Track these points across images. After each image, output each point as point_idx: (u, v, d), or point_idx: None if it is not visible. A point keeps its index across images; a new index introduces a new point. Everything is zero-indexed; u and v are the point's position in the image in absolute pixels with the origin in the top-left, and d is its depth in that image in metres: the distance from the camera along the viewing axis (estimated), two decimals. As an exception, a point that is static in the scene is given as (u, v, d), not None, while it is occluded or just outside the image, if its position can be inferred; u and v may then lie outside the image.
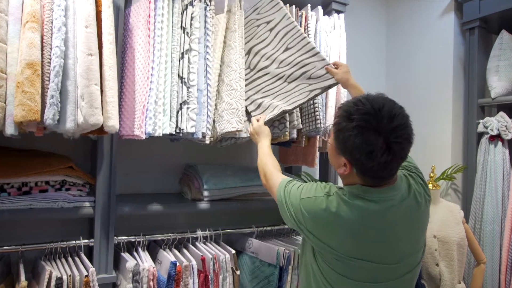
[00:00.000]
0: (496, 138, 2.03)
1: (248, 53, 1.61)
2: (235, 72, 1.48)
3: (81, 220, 1.59)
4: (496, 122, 2.01)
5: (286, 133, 1.57)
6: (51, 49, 1.16)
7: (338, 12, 1.88)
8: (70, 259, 1.37)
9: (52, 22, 1.17)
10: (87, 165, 1.65)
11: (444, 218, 1.81)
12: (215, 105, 1.48)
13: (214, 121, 1.48)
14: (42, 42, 1.15)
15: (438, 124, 2.30)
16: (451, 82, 2.27)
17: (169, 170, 1.90)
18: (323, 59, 1.47)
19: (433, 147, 2.31)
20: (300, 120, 1.60)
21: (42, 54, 1.15)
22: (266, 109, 1.53)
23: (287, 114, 1.56)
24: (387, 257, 1.02)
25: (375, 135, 0.93)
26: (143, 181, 1.85)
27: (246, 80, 1.54)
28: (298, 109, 1.59)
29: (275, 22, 1.56)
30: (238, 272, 1.50)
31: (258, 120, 1.47)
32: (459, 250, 1.76)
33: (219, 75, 1.50)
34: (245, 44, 1.58)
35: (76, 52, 1.20)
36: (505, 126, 1.99)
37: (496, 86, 2.05)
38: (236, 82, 1.47)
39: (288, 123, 1.57)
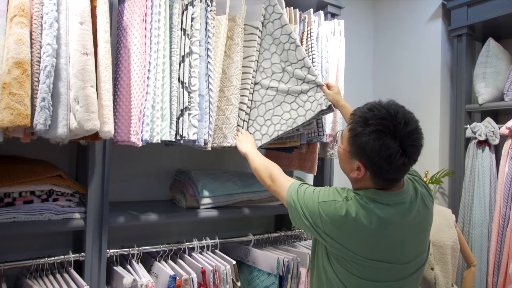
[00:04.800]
0: (483, 143, 2.08)
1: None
2: (234, 87, 1.45)
3: (67, 231, 1.47)
4: (484, 128, 2.06)
5: (298, 137, 1.57)
6: (40, 47, 1.05)
7: (333, 15, 1.86)
8: (58, 275, 1.25)
9: (42, 17, 1.06)
10: (72, 172, 1.53)
11: (438, 223, 1.82)
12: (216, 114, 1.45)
13: (216, 126, 1.44)
14: (31, 39, 1.04)
15: (426, 129, 2.31)
16: (438, 87, 2.31)
17: (158, 176, 1.81)
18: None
19: (421, 151, 2.33)
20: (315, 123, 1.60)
21: (31, 52, 1.04)
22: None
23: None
24: (401, 257, 1.06)
25: (392, 139, 0.98)
26: (131, 188, 1.74)
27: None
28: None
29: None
30: (239, 284, 1.43)
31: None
32: (452, 254, 1.78)
33: (220, 87, 1.46)
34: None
35: (68, 50, 1.10)
36: (493, 131, 2.05)
37: (484, 92, 2.10)
38: (234, 97, 1.45)
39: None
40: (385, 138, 0.97)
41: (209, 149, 1.40)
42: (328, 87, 1.49)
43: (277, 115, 1.50)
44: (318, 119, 1.60)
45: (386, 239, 1.03)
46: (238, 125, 1.48)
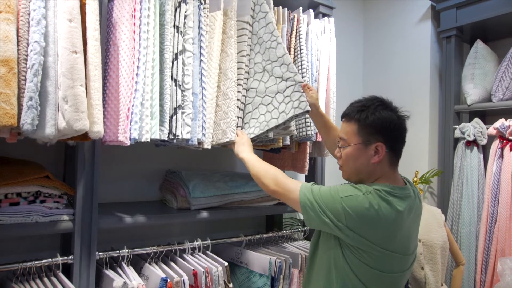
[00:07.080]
0: (472, 143, 2.11)
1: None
2: (230, 80, 1.42)
3: (55, 234, 1.44)
4: (472, 128, 2.09)
5: (280, 139, 1.52)
6: (28, 44, 1.03)
7: (325, 15, 1.86)
8: (46, 279, 1.22)
9: (29, 14, 1.04)
10: (59, 173, 1.50)
11: (428, 222, 1.84)
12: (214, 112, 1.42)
13: (211, 126, 1.41)
14: (17, 36, 1.01)
15: (415, 129, 2.36)
16: (427, 88, 2.33)
17: (148, 176, 1.78)
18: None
19: (410, 152, 2.36)
20: (295, 126, 1.55)
21: (17, 50, 1.01)
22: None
23: None
24: (407, 249, 1.16)
25: (389, 109, 1.18)
26: (121, 188, 1.71)
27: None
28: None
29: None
30: (230, 285, 1.42)
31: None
32: (442, 253, 1.80)
33: (217, 83, 1.43)
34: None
35: (57, 48, 1.07)
36: (481, 132, 2.07)
37: (472, 93, 2.13)
38: (231, 90, 1.41)
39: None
40: (387, 108, 1.17)
41: (206, 147, 1.37)
42: (309, 88, 1.46)
43: (254, 118, 1.46)
44: (305, 118, 1.57)
45: (401, 230, 1.12)
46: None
